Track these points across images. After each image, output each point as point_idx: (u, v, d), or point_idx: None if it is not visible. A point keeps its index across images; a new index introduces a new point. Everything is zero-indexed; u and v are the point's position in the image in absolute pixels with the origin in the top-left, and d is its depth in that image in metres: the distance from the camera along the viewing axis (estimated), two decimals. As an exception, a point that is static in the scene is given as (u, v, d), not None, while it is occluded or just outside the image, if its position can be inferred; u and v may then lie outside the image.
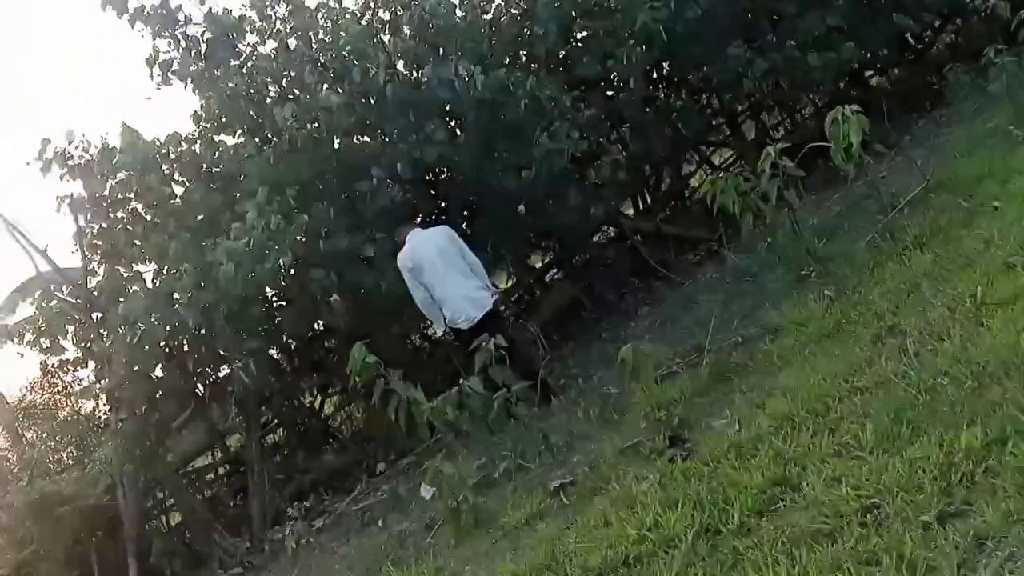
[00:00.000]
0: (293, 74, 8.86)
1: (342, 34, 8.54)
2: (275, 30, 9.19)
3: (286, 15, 9.17)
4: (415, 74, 8.79)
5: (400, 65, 8.89)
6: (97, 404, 9.44)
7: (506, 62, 9.15)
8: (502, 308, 7.92)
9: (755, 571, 3.13)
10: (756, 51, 9.31)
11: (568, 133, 8.24)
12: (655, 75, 10.36)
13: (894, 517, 3.01)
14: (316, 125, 8.17)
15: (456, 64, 8.23)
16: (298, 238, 7.66)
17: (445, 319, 7.19)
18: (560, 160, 8.29)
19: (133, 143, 8.74)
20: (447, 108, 8.66)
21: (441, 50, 8.84)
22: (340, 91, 8.36)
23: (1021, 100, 7.71)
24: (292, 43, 9.02)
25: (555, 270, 11.21)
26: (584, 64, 9.24)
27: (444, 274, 7.12)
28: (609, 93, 9.93)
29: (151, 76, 9.12)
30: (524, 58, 9.66)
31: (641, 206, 11.53)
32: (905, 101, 10.88)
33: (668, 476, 4.36)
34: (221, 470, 9.63)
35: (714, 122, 11.29)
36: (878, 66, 11.94)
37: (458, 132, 8.59)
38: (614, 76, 9.71)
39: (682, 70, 10.19)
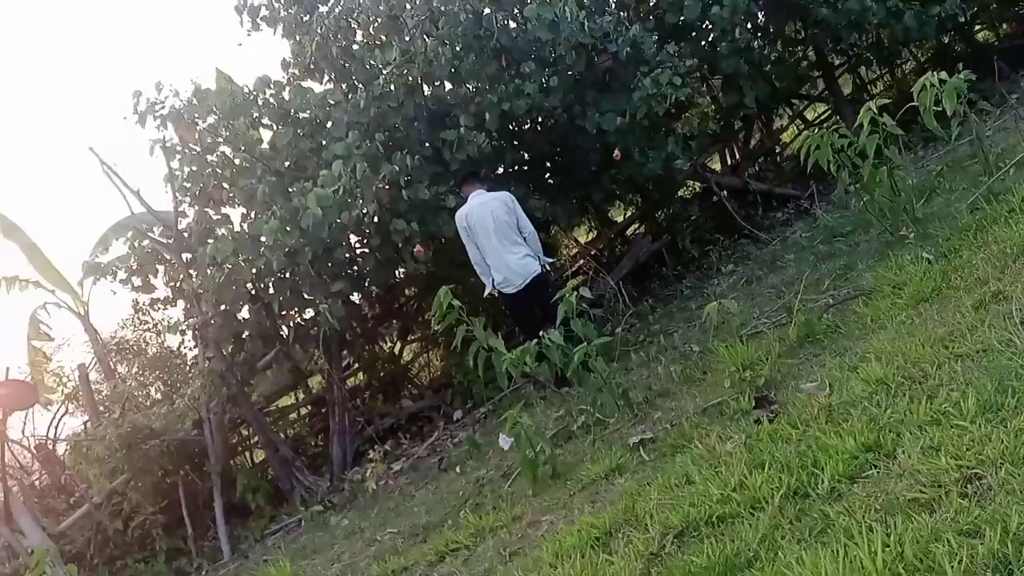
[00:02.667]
0: (381, 20, 8.82)
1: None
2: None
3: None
4: (508, 20, 8.66)
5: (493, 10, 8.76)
6: (183, 341, 9.73)
7: (595, 10, 8.96)
8: (552, 276, 7.87)
9: (847, 537, 3.03)
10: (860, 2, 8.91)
11: (671, 79, 8.06)
12: (750, 25, 10.02)
13: (998, 489, 2.88)
14: (412, 70, 8.13)
15: (562, 6, 8.10)
16: (383, 186, 7.69)
17: (492, 281, 7.23)
18: (660, 106, 8.13)
19: (224, 88, 8.87)
20: (542, 54, 8.52)
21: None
22: (429, 38, 8.27)
23: None
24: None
25: (637, 224, 11.06)
26: (686, 9, 8.96)
27: (495, 240, 7.15)
28: (702, 43, 9.65)
29: (241, 23, 9.22)
30: (614, 5, 9.44)
31: (729, 161, 11.25)
32: (1014, 58, 10.33)
33: (754, 437, 4.27)
34: (304, 410, 9.86)
35: (810, 75, 10.90)
36: (985, 20, 11.35)
37: (550, 80, 8.45)
38: (708, 25, 9.43)
39: (780, 20, 9.83)
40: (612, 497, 4.53)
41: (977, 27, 11.69)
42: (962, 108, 6.46)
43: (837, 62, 10.85)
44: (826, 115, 11.36)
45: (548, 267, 7.57)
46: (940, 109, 6.26)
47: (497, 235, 7.21)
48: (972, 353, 3.99)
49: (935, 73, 6.23)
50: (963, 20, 10.59)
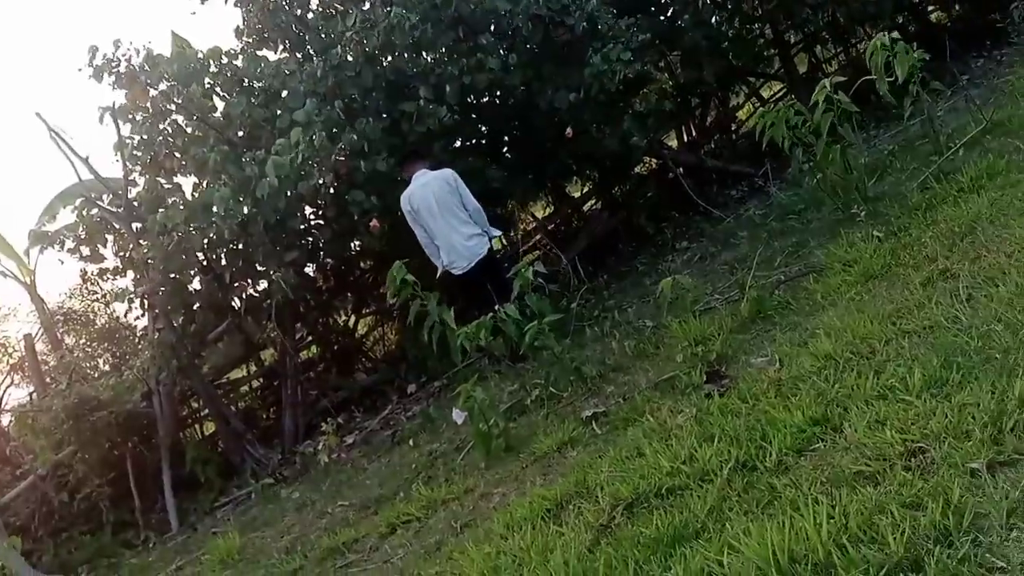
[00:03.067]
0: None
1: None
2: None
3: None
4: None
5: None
6: (130, 309, 9.57)
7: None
8: (499, 254, 7.83)
9: (793, 509, 3.07)
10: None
11: (620, 55, 8.03)
12: (708, 1, 10.02)
13: (941, 463, 2.94)
14: (371, 39, 8.01)
15: None
16: (341, 157, 7.59)
17: (442, 262, 7.18)
18: (611, 82, 8.10)
19: (181, 52, 8.67)
20: (500, 25, 8.45)
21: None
22: (391, 7, 8.15)
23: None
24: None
25: (594, 200, 11.06)
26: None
27: (441, 220, 7.09)
28: (661, 18, 9.64)
29: (194, -8, 9.03)
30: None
31: (686, 138, 11.30)
32: (966, 38, 10.47)
33: (704, 411, 4.30)
34: (255, 383, 9.76)
35: (766, 53, 10.95)
36: (938, 1, 11.49)
37: (508, 54, 8.39)
38: (667, 0, 9.42)
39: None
40: (564, 470, 4.55)
41: (931, 8, 11.83)
42: (915, 88, 6.55)
43: (793, 40, 10.91)
44: (782, 93, 11.43)
45: (499, 240, 7.51)
46: (891, 79, 6.34)
47: (442, 215, 7.14)
48: (919, 329, 4.05)
49: (887, 34, 6.29)
50: (917, 0, 10.71)
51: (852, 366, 3.99)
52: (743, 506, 3.33)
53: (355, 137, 7.54)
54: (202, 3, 9.09)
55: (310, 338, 9.54)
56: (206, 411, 8.81)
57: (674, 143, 11.29)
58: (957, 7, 11.66)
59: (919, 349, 3.83)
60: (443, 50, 8.36)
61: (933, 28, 11.15)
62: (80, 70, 8.17)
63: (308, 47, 8.79)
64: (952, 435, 3.05)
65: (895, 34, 6.28)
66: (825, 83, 6.50)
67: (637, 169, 10.66)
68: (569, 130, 8.52)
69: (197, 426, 9.22)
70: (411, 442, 6.68)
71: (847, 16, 9.85)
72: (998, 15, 10.39)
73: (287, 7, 8.68)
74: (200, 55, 8.57)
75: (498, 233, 7.77)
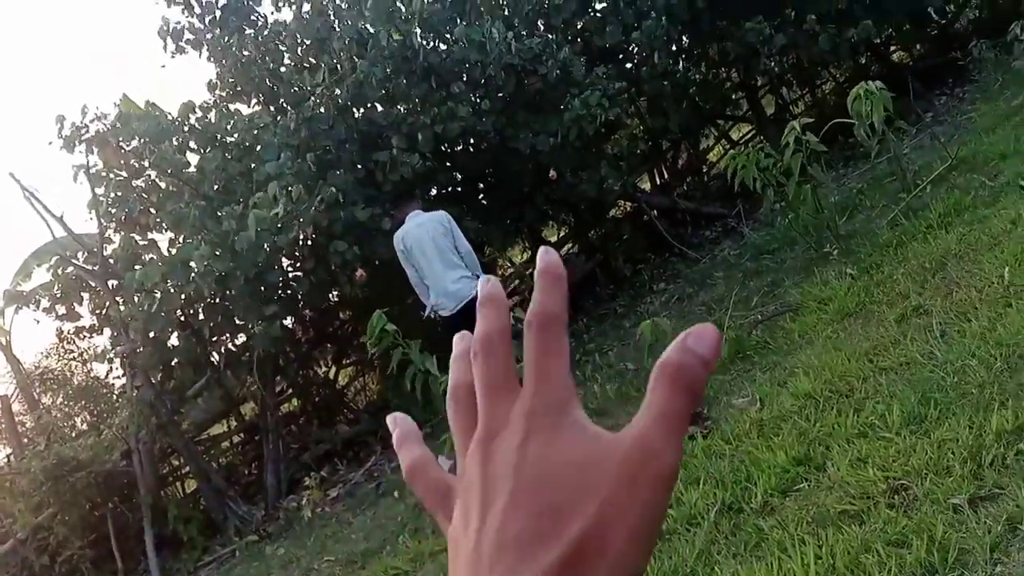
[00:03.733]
0: (309, 42, 8.81)
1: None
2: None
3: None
4: (437, 41, 8.73)
5: (420, 33, 8.81)
6: (111, 369, 9.49)
7: (524, 31, 9.08)
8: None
9: (780, 551, 3.11)
10: (775, 26, 9.20)
11: (599, 101, 8.19)
12: (674, 48, 10.25)
13: (923, 499, 2.99)
14: (339, 92, 8.12)
15: (489, 27, 8.17)
16: (320, 208, 7.63)
17: (431, 303, 7.20)
18: (590, 126, 8.24)
19: (147, 112, 8.72)
20: (472, 75, 8.58)
21: (459, 18, 8.79)
22: (359, 60, 8.28)
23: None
24: (306, 8, 8.98)
25: (570, 244, 11.16)
26: (606, 35, 9.16)
27: (432, 261, 7.13)
28: (628, 65, 9.83)
29: (164, 47, 9.11)
30: (542, 27, 9.57)
31: (658, 180, 11.46)
32: (928, 77, 10.75)
33: (689, 453, 4.34)
34: (236, 438, 9.67)
35: (733, 96, 11.18)
36: (899, 42, 11.79)
37: (481, 101, 8.52)
38: (633, 48, 9.62)
39: (702, 43, 10.08)
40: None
41: (892, 48, 12.13)
42: (881, 127, 6.71)
43: (760, 82, 11.15)
44: (750, 135, 11.64)
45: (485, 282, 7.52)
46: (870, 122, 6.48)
47: (435, 256, 7.17)
48: (896, 366, 4.13)
49: (869, 82, 6.44)
50: (878, 41, 10.99)
51: (832, 404, 4.05)
52: (731, 549, 3.36)
53: (332, 189, 7.58)
54: (172, 57, 9.19)
55: (291, 391, 9.49)
56: (187, 468, 8.70)
57: (647, 186, 11.43)
58: (918, 46, 11.97)
59: (897, 386, 3.90)
60: (415, 100, 8.48)
61: (895, 68, 11.43)
62: (51, 143, 8.21)
63: (281, 100, 8.87)
64: (933, 471, 3.10)
65: (879, 83, 6.44)
66: (794, 124, 6.64)
67: (612, 212, 10.78)
68: (552, 172, 8.64)
69: (178, 484, 9.10)
70: (396, 494, 6.63)
71: (809, 59, 10.07)
72: (959, 53, 10.68)
73: (260, 60, 8.77)
74: (170, 114, 8.64)
75: (490, 279, 7.77)
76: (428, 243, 7.15)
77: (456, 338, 0.55)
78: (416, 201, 7.57)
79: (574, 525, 0.42)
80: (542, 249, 0.51)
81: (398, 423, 0.57)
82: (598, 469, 0.43)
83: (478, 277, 7.27)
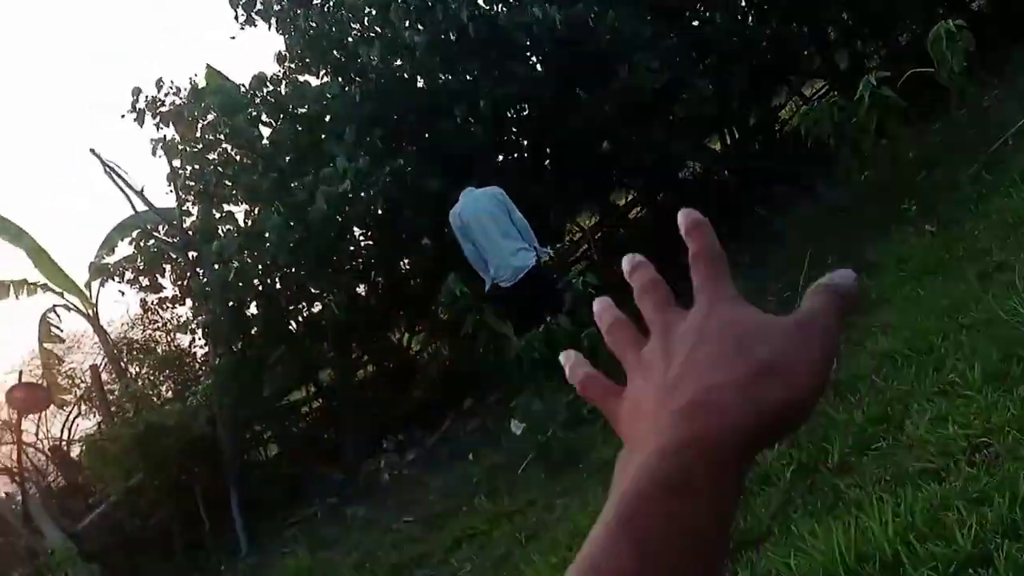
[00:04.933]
0: (375, 12, 8.85)
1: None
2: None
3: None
4: (496, 8, 8.69)
5: (480, 1, 8.78)
6: (194, 339, 9.80)
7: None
8: (546, 266, 7.84)
9: (858, 509, 3.09)
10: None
11: (648, 66, 8.05)
12: (742, 3, 10.01)
13: (1005, 456, 2.93)
14: (400, 64, 8.17)
15: (531, 6, 8.10)
16: (387, 179, 7.72)
17: (491, 276, 7.22)
18: (643, 94, 8.13)
19: (220, 85, 8.90)
20: (528, 44, 8.54)
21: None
22: (421, 28, 8.31)
23: None
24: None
25: (639, 208, 11.07)
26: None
27: (490, 234, 7.14)
28: (695, 23, 9.65)
29: (235, 17, 9.24)
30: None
31: (729, 140, 11.25)
32: (1010, 27, 10.30)
33: (762, 414, 4.31)
34: (315, 404, 9.92)
35: (805, 51, 10.87)
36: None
37: (539, 68, 8.49)
38: (700, 5, 9.43)
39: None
40: (625, 479, 4.57)
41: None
42: (962, 78, 6.48)
43: (832, 35, 10.82)
44: (823, 90, 11.33)
45: (547, 256, 7.54)
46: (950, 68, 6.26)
47: (494, 229, 7.21)
48: (977, 323, 4.03)
49: (949, 21, 6.21)
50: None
51: (911, 363, 3.98)
52: (807, 508, 3.35)
53: (401, 161, 7.66)
54: (241, 29, 9.29)
55: (366, 357, 9.68)
56: (269, 433, 8.98)
57: (717, 146, 11.25)
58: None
59: (978, 343, 3.81)
60: (474, 69, 8.46)
61: (975, 17, 10.98)
62: (123, 116, 8.43)
63: (350, 72, 8.95)
64: (1016, 428, 3.04)
65: (960, 21, 6.20)
66: (869, 78, 6.46)
67: (681, 174, 10.64)
68: (612, 138, 8.57)
69: (261, 448, 9.39)
70: (471, 456, 6.75)
71: (884, 8, 9.74)
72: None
73: (327, 31, 8.85)
74: (243, 86, 8.78)
75: (549, 252, 7.78)
76: (486, 217, 7.18)
77: (682, 213, 0.63)
78: (469, 177, 7.60)
79: (761, 348, 0.51)
80: (683, 213, 0.62)
81: (570, 359, 0.65)
82: (775, 323, 0.52)
83: (535, 248, 7.29)
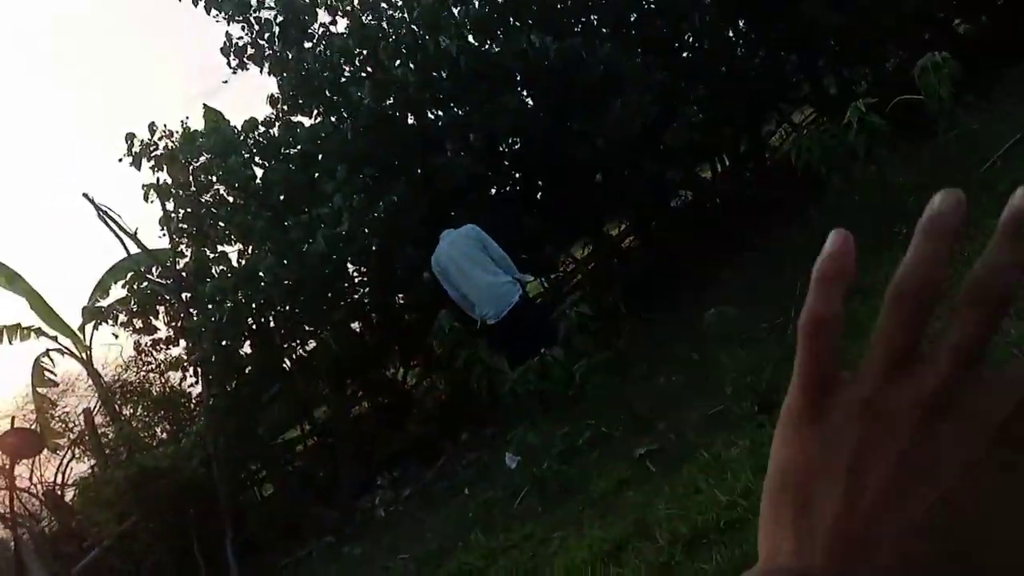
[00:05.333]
0: (366, 52, 8.93)
1: (414, 5, 8.57)
2: (347, 8, 9.26)
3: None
4: (487, 44, 8.77)
5: (470, 37, 8.86)
6: (185, 379, 9.76)
7: (577, 29, 9.03)
8: (529, 295, 7.84)
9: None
10: (834, 3, 9.01)
11: (640, 100, 8.11)
12: (730, 33, 10.10)
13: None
14: (392, 101, 8.22)
15: (528, 33, 8.17)
16: (380, 215, 7.75)
17: (478, 314, 7.23)
18: (633, 127, 8.17)
19: (215, 125, 8.95)
20: (519, 78, 8.61)
21: (511, 19, 8.80)
22: (412, 65, 8.37)
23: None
24: (366, 19, 9.08)
25: (632, 237, 11.08)
26: (658, 26, 9.08)
27: (469, 274, 7.18)
28: (685, 54, 9.73)
29: (228, 63, 9.32)
30: (596, 22, 9.51)
31: (720, 169, 11.30)
32: (996, 50, 10.38)
33: (758, 442, 4.28)
34: (310, 442, 9.85)
35: (794, 79, 10.96)
36: (965, 14, 11.44)
37: (530, 101, 8.54)
38: (688, 36, 9.51)
39: (759, 25, 9.91)
40: (621, 510, 4.54)
41: (957, 21, 11.77)
42: (949, 102, 6.52)
43: (820, 63, 10.91)
44: (812, 117, 11.41)
45: (536, 285, 7.54)
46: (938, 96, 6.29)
47: (470, 267, 7.24)
48: (970, 346, 4.00)
49: (935, 53, 6.26)
50: (942, 15, 10.68)
51: (905, 387, 3.95)
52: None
53: (394, 198, 7.68)
54: (233, 73, 9.38)
55: (361, 393, 9.63)
56: (264, 473, 8.91)
57: (708, 174, 11.29)
58: (984, 18, 11.58)
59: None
60: (465, 104, 8.52)
61: (961, 41, 11.08)
62: (120, 160, 8.48)
63: (342, 110, 9.01)
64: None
65: (946, 54, 6.26)
66: (857, 104, 6.49)
67: (673, 203, 10.67)
68: (597, 175, 8.61)
69: (256, 488, 9.31)
70: (467, 491, 6.69)
71: (871, 36, 9.82)
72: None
73: (319, 72, 8.92)
74: (236, 128, 8.84)
75: (530, 278, 7.81)
76: (462, 258, 7.21)
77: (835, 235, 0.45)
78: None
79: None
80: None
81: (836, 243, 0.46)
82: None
83: (516, 278, 7.29)
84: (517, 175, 9.46)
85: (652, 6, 9.55)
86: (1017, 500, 0.35)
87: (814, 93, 11.12)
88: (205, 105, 9.72)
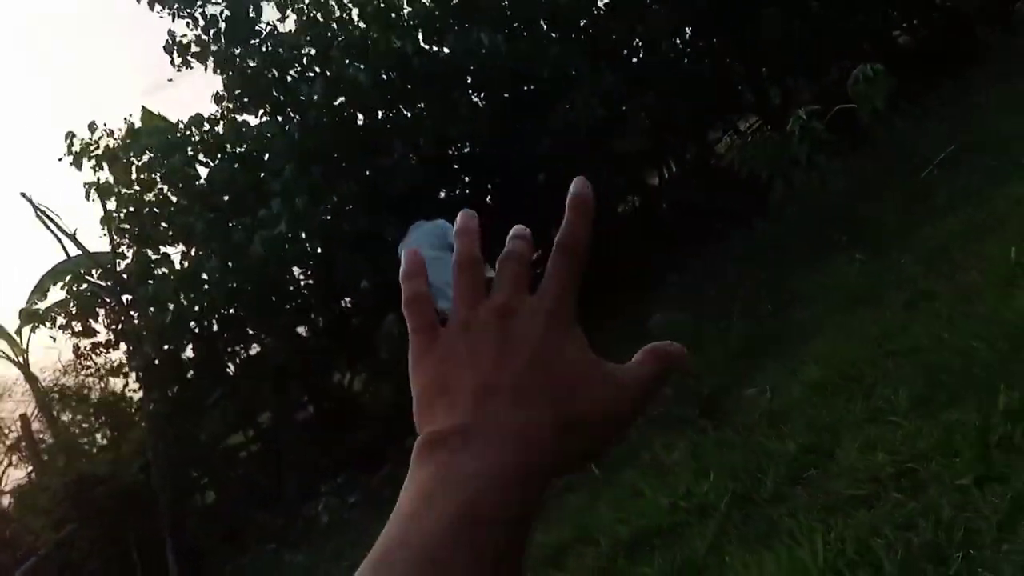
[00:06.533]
0: (315, 51, 8.85)
1: (366, 4, 8.53)
2: (298, 6, 9.17)
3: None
4: (436, 47, 8.76)
5: (421, 35, 8.82)
6: (127, 384, 9.57)
7: (525, 32, 9.06)
8: None
9: (791, 538, 3.09)
10: (780, 14, 9.17)
11: (587, 103, 8.16)
12: (677, 42, 10.22)
13: (931, 481, 2.96)
14: (342, 101, 8.16)
15: (479, 32, 8.18)
16: (325, 218, 7.68)
17: (441, 309, 7.19)
18: (580, 130, 8.22)
19: (156, 126, 8.80)
20: (470, 80, 8.61)
21: (463, 19, 8.79)
22: (363, 65, 8.32)
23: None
24: (316, 17, 9.01)
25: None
26: (610, 30, 9.16)
27: (437, 268, 7.14)
28: (634, 60, 9.82)
29: (171, 61, 9.17)
30: (546, 27, 9.55)
31: (667, 175, 11.42)
32: (934, 61, 10.65)
33: (700, 445, 4.33)
34: (254, 448, 9.71)
35: (740, 88, 11.13)
36: (904, 26, 11.72)
37: (481, 104, 8.54)
38: (638, 43, 9.60)
39: (707, 35, 10.04)
40: (563, 515, 4.54)
41: (897, 33, 12.05)
42: (885, 113, 6.68)
43: (765, 72, 11.08)
44: (757, 125, 11.58)
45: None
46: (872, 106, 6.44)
47: (436, 263, 7.21)
48: (904, 351, 4.09)
49: (868, 65, 6.41)
50: (883, 27, 10.93)
51: (841, 391, 4.02)
52: (742, 539, 3.35)
53: (335, 198, 7.62)
54: (178, 71, 9.23)
55: (306, 399, 9.52)
56: (206, 479, 8.76)
57: (656, 181, 11.40)
58: (923, 31, 11.88)
59: (905, 370, 3.87)
60: (416, 104, 8.50)
61: (902, 53, 11.34)
62: (60, 159, 8.29)
63: (288, 110, 8.92)
64: (940, 453, 3.08)
65: (879, 66, 6.41)
66: (800, 112, 6.62)
67: (621, 208, 10.75)
68: (552, 172, 8.65)
69: (198, 495, 9.15)
70: (412, 497, 6.63)
71: (817, 47, 10.01)
72: (964, 37, 10.57)
73: (266, 71, 8.82)
74: (181, 124, 8.70)
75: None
76: (429, 250, 7.16)
77: (461, 214, 0.63)
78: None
79: (583, 399, 0.53)
80: (577, 180, 0.61)
81: (407, 258, 0.64)
82: (602, 375, 0.55)
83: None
84: (466, 178, 9.45)
85: (602, 12, 9.62)
86: (573, 349, 0.55)
87: (759, 102, 11.29)
88: (144, 108, 9.55)
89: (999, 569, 2.42)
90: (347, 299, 8.61)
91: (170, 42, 9.07)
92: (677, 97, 9.73)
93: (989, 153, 6.47)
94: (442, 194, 9.19)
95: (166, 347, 7.75)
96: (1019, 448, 2.88)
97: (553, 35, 9.25)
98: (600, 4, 9.74)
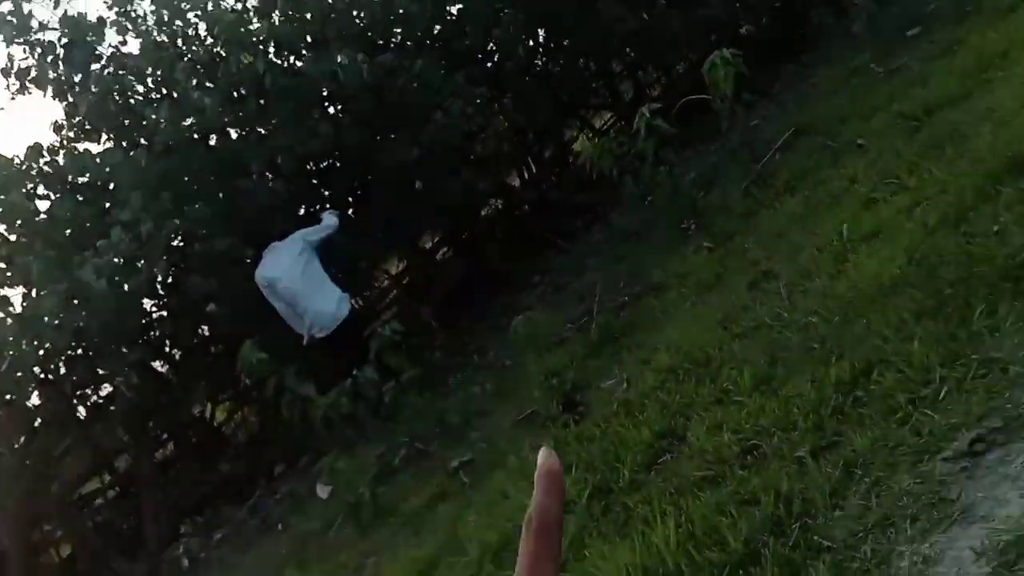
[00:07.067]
0: (160, 72, 8.48)
1: (213, 21, 8.24)
2: (140, 28, 8.77)
3: (149, 11, 8.75)
4: (291, 62, 8.53)
5: (272, 54, 8.57)
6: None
7: (380, 43, 8.93)
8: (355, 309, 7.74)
9: (645, 525, 3.10)
10: (626, 9, 9.35)
11: (462, 110, 8.12)
12: (531, 43, 10.28)
13: (772, 456, 3.02)
14: (191, 123, 7.85)
15: (337, 53, 8.00)
16: (174, 243, 7.36)
17: (307, 329, 7.03)
18: (455, 136, 8.18)
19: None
20: (329, 95, 8.42)
21: (318, 36, 8.62)
22: (211, 85, 8.02)
23: (881, 38, 7.92)
24: (160, 38, 8.64)
25: (445, 248, 11.08)
26: (470, 32, 9.14)
27: (301, 287, 6.98)
28: (488, 65, 9.82)
29: (7, 87, 8.67)
30: (400, 37, 9.44)
31: (527, 176, 11.49)
32: (773, 48, 11.06)
33: (562, 441, 4.32)
34: (111, 493, 9.16)
35: (593, 85, 11.29)
36: (747, 17, 12.14)
37: (342, 117, 8.36)
38: (492, 48, 9.61)
39: (560, 36, 10.15)
40: (434, 526, 4.48)
41: (740, 24, 12.46)
42: (729, 101, 6.85)
43: (617, 69, 11.28)
44: (611, 122, 11.79)
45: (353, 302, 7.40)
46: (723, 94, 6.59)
47: (304, 279, 7.02)
48: (747, 331, 4.19)
49: (722, 50, 6.56)
50: (727, 19, 11.27)
51: (691, 376, 4.08)
52: (601, 531, 3.34)
53: (176, 222, 7.30)
54: (12, 98, 8.72)
55: (165, 436, 9.06)
56: (60, 533, 8.21)
57: (517, 182, 11.45)
58: (764, 19, 12.32)
59: (748, 350, 3.95)
60: (273, 123, 8.26)
61: (744, 42, 11.73)
62: None
63: (134, 134, 8.52)
64: (780, 428, 3.14)
65: (734, 50, 6.57)
66: (644, 110, 6.72)
67: (484, 212, 10.76)
68: (418, 182, 8.57)
69: (53, 550, 8.55)
70: (280, 526, 6.43)
71: (662, 41, 10.24)
72: (801, 23, 11.01)
73: (109, 96, 8.39)
74: (17, 158, 8.21)
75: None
76: (296, 271, 6.98)
77: (542, 452, 0.60)
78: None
79: None
80: (543, 450, 0.59)
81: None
82: None
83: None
84: (327, 193, 9.23)
85: (454, 18, 9.59)
86: None
87: (612, 98, 11.49)
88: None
89: (833, 534, 2.47)
90: (204, 327, 8.26)
91: (8, 66, 8.55)
92: (533, 98, 9.79)
93: (823, 134, 6.75)
94: (301, 211, 8.95)
95: (8, 397, 7.24)
96: (849, 416, 2.96)
97: (408, 43, 9.15)
98: (453, 11, 9.70)
